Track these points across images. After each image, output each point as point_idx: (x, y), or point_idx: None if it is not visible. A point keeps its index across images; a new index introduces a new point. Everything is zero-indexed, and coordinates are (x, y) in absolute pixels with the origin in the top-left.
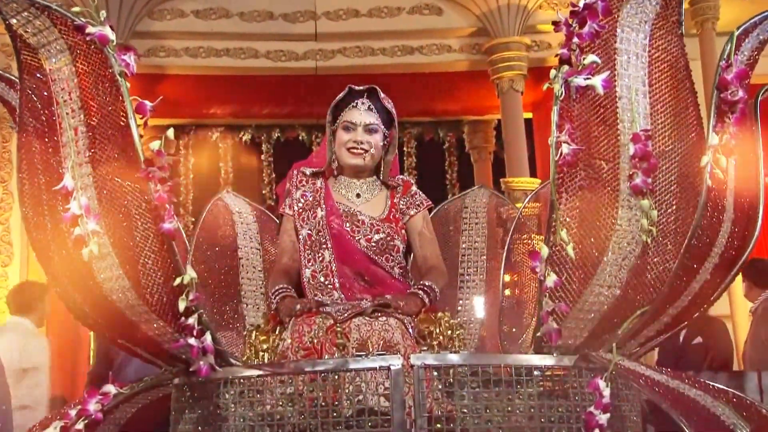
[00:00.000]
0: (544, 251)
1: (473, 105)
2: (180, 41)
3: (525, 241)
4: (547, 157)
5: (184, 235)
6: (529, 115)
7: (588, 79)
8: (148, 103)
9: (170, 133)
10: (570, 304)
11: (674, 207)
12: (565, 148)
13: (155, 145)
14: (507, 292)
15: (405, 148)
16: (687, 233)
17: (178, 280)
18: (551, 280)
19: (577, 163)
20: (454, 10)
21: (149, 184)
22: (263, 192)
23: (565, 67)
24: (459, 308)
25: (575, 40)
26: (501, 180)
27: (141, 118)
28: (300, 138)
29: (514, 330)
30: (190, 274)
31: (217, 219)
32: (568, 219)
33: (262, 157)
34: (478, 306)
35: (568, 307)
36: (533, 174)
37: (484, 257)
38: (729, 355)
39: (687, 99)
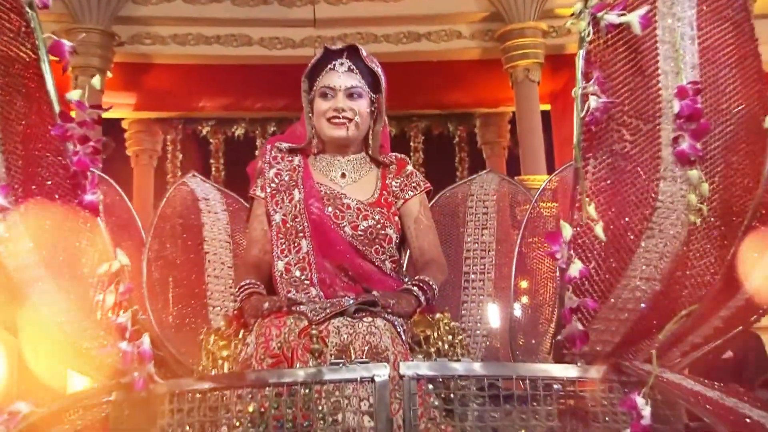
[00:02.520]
0: (567, 231)
1: (486, 96)
2: (167, 27)
3: (539, 241)
4: (567, 152)
5: (141, 228)
6: (547, 107)
7: (622, 15)
8: (67, 43)
9: (96, 81)
10: (598, 300)
11: (730, 180)
12: (593, 102)
13: (74, 95)
14: (524, 299)
15: (412, 143)
16: (746, 213)
17: (104, 267)
18: (576, 268)
19: (608, 122)
20: None
21: (67, 145)
22: None
23: (594, 1)
24: (463, 312)
25: None
26: (516, 177)
27: (58, 62)
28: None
29: (532, 341)
30: (121, 259)
31: (179, 207)
32: (596, 192)
33: (257, 153)
34: (485, 310)
35: (597, 304)
36: (551, 171)
37: (493, 253)
38: None
39: (746, 47)
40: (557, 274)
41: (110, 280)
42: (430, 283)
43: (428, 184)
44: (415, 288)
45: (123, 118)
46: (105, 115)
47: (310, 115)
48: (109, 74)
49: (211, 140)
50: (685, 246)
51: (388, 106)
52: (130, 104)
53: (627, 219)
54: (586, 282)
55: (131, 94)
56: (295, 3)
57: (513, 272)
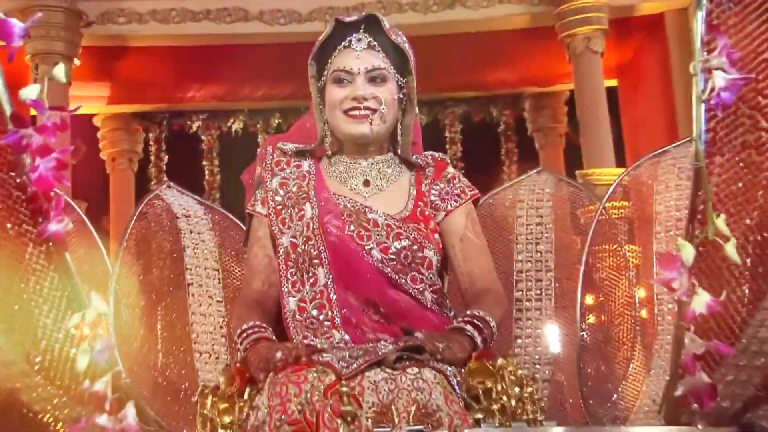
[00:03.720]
0: (688, 252)
1: (537, 73)
2: (144, 2)
3: (611, 253)
4: (641, 138)
5: (106, 256)
6: (613, 82)
7: None
8: (17, 23)
9: (59, 71)
10: (727, 342)
11: None
12: (718, 79)
13: (30, 92)
14: (591, 319)
15: (447, 134)
16: None
17: (76, 318)
18: (702, 302)
19: (737, 105)
20: None
21: (22, 158)
22: None
23: None
24: (517, 349)
25: None
26: (577, 172)
27: (4, 47)
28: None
29: (607, 386)
30: (98, 307)
31: (153, 228)
32: (725, 199)
33: (259, 151)
34: (545, 346)
35: (729, 348)
36: (621, 163)
37: (551, 274)
38: None
39: None
40: (635, 300)
41: (83, 334)
42: (487, 319)
43: (475, 191)
44: (468, 326)
45: (95, 114)
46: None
47: (321, 107)
48: (77, 62)
49: (203, 137)
50: None
51: (417, 88)
52: (102, 97)
53: (765, 233)
54: (711, 319)
55: (104, 85)
56: None
57: (579, 290)
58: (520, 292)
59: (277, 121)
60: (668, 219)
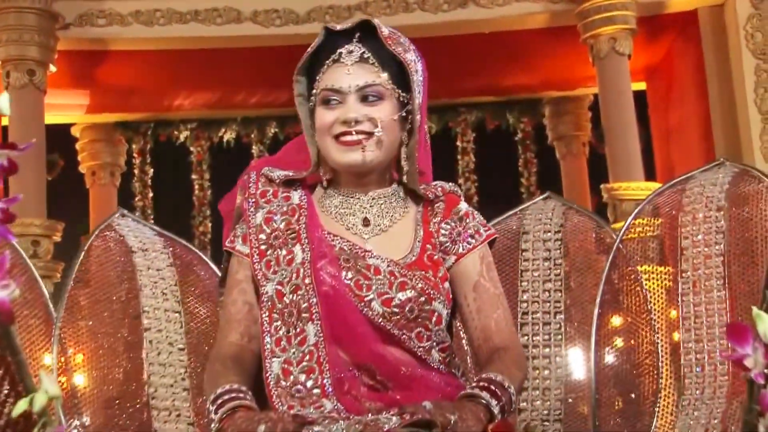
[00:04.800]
0: (765, 324)
1: (557, 76)
2: (127, 2)
3: (633, 276)
4: (674, 148)
5: (50, 302)
6: (642, 86)
7: None
8: None
9: (3, 102)
10: None
11: None
12: None
13: None
14: (618, 342)
15: (459, 143)
16: None
17: (21, 405)
18: None
19: None
20: None
21: None
22: None
23: None
24: (523, 403)
25: None
26: (602, 186)
27: None
28: None
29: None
30: (48, 389)
31: (103, 265)
32: None
33: (253, 162)
34: (555, 399)
35: None
36: (650, 175)
37: (561, 316)
38: None
39: None
40: (658, 349)
41: (29, 423)
42: (505, 384)
43: (491, 230)
44: (483, 393)
45: (73, 124)
46: (49, 119)
47: (313, 130)
48: (53, 68)
49: (191, 149)
50: None
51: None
52: (81, 105)
53: None
54: None
55: (83, 93)
56: None
57: (596, 312)
58: (526, 338)
59: (273, 131)
60: (696, 256)
